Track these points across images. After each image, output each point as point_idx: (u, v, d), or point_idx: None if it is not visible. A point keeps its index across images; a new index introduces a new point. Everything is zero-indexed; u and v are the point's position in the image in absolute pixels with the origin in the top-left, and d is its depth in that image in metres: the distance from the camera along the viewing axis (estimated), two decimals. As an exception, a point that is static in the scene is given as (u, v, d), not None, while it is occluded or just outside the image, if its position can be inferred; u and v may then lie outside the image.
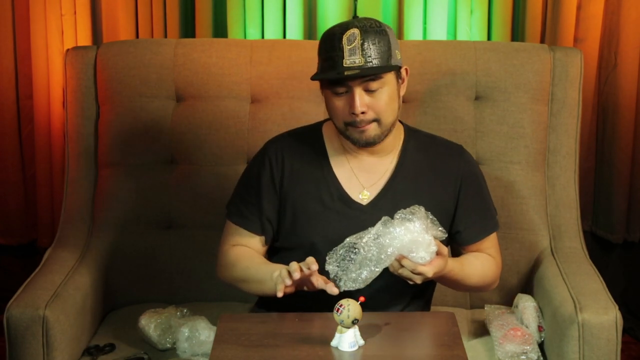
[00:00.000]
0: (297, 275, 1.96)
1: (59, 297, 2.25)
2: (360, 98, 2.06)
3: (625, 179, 3.19)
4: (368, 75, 2.05)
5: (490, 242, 2.27)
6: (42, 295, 2.23)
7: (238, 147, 2.61)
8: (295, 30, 3.04)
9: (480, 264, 2.22)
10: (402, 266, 1.97)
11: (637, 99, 3.14)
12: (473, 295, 2.64)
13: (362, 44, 2.05)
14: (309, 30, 3.06)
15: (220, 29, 3.10)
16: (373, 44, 2.06)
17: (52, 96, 3.16)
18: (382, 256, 1.95)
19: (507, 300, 2.56)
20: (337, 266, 1.98)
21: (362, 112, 2.07)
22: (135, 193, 2.64)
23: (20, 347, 2.18)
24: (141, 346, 2.34)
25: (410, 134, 2.26)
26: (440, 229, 2.00)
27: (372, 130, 2.10)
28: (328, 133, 2.24)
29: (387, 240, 1.95)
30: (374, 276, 1.96)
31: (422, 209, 2.00)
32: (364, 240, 1.97)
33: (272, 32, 3.05)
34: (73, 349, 2.27)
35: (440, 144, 2.29)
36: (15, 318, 2.17)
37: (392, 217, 1.98)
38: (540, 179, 2.63)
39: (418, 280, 2.00)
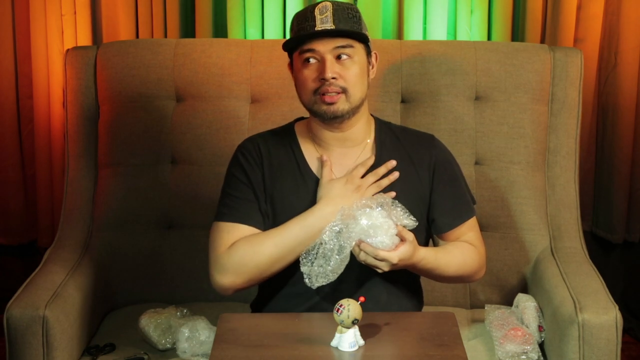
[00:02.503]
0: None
1: (59, 297, 2.25)
2: (332, 64, 2.08)
3: (625, 179, 3.19)
4: (340, 36, 2.08)
5: (469, 230, 2.25)
6: (42, 295, 2.23)
7: (238, 147, 2.61)
8: (295, 30, 3.04)
9: (459, 252, 2.20)
10: (365, 253, 1.98)
11: (637, 99, 3.14)
12: (473, 295, 2.64)
13: (334, 14, 2.08)
14: (309, 30, 3.06)
15: (220, 29, 3.10)
16: (344, 16, 2.09)
17: (52, 96, 3.16)
18: (342, 243, 1.96)
19: (507, 300, 2.56)
20: (311, 265, 1.99)
21: (333, 78, 2.08)
22: (135, 193, 2.64)
23: (20, 347, 2.18)
24: (141, 346, 2.34)
25: (382, 126, 2.26)
26: (410, 217, 2.01)
27: (341, 103, 2.10)
28: (300, 130, 2.25)
29: (346, 227, 1.96)
30: (341, 265, 1.97)
31: (388, 197, 2.02)
32: (324, 232, 1.98)
33: (272, 32, 3.05)
34: (73, 349, 2.27)
35: (411, 133, 2.29)
36: (15, 318, 2.17)
37: None
38: (540, 179, 2.63)
39: (385, 267, 2.00)
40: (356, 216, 1.97)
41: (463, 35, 3.05)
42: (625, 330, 3.21)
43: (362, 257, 1.99)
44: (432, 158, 2.23)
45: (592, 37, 3.09)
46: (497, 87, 2.63)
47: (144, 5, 3.08)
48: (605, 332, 2.16)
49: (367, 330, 1.92)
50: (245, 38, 3.05)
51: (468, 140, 2.62)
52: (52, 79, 3.15)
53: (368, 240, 1.97)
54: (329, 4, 2.10)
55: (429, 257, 2.11)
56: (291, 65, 2.19)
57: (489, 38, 3.07)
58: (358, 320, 1.84)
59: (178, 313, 2.39)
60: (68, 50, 2.74)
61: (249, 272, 2.12)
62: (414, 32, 3.04)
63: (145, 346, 2.34)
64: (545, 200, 2.62)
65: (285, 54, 2.20)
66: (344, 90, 2.10)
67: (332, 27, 2.07)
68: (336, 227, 1.98)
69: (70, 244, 2.57)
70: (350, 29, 2.09)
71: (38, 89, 3.17)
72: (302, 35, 2.09)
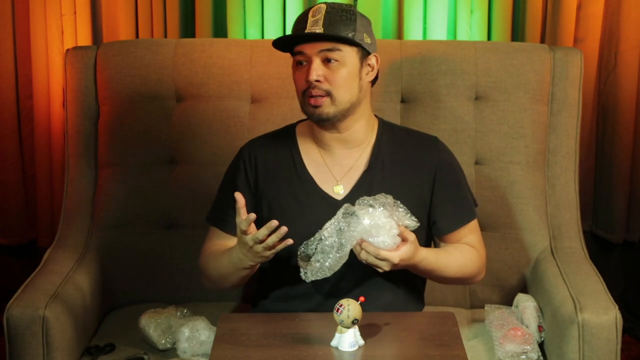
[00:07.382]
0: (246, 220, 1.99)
1: (59, 297, 2.25)
2: (317, 67, 2.09)
3: (625, 179, 3.19)
4: (324, 41, 2.08)
5: (470, 233, 2.26)
6: (42, 295, 2.23)
7: (238, 147, 2.58)
8: (295, 30, 3.04)
9: (459, 253, 2.21)
10: (367, 252, 1.97)
11: (637, 99, 3.14)
12: (473, 295, 2.64)
13: (326, 17, 2.08)
14: (309, 30, 3.06)
15: (220, 29, 3.10)
16: (336, 19, 2.09)
17: (52, 96, 3.16)
18: (343, 241, 1.96)
19: (507, 300, 2.56)
20: (308, 259, 1.98)
21: (317, 81, 2.09)
22: (135, 193, 2.64)
23: (20, 347, 2.18)
24: (141, 346, 2.34)
25: (385, 127, 2.27)
26: (412, 217, 2.00)
27: (325, 106, 2.11)
28: (301, 131, 2.26)
29: (347, 226, 1.96)
30: (339, 263, 1.97)
31: (390, 197, 2.01)
32: (325, 229, 1.98)
33: (272, 32, 3.05)
34: (73, 349, 2.27)
35: (414, 135, 2.30)
36: (15, 318, 2.17)
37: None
38: (540, 179, 2.63)
39: (385, 266, 2.00)
40: (358, 215, 1.97)
41: (463, 35, 3.05)
42: (625, 330, 3.21)
43: (363, 256, 1.99)
44: (434, 161, 2.23)
45: (592, 37, 3.08)
46: (497, 87, 2.63)
47: (144, 5, 3.08)
48: (605, 332, 2.16)
49: (367, 330, 1.92)
50: (245, 38, 3.05)
51: (468, 140, 2.62)
52: (52, 79, 3.15)
53: (370, 239, 1.96)
54: (323, 5, 2.11)
55: (430, 257, 2.11)
56: None
57: (489, 38, 3.07)
58: (358, 320, 1.84)
59: (178, 313, 2.39)
60: (68, 50, 2.74)
61: (210, 280, 2.25)
62: (414, 32, 3.04)
63: (145, 346, 2.34)
64: (545, 200, 2.62)
65: (285, 54, 2.21)
66: (328, 94, 2.10)
67: (319, 31, 2.07)
68: (337, 225, 1.98)
69: (70, 244, 2.57)
70: (338, 33, 2.08)
71: (38, 89, 3.17)
72: (287, 37, 2.13)
